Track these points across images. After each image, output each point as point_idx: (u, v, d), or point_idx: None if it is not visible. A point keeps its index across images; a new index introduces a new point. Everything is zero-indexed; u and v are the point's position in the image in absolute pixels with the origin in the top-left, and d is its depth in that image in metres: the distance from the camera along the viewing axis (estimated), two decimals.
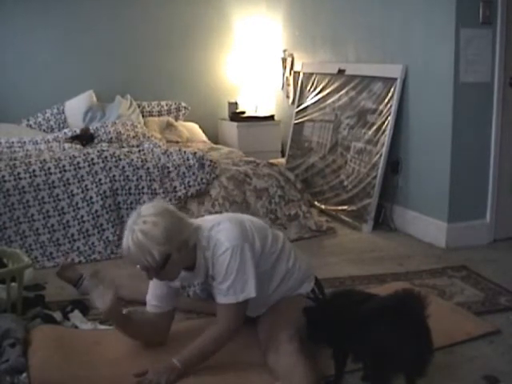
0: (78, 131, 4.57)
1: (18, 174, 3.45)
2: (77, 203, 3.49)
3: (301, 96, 4.95)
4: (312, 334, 1.96)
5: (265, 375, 1.97)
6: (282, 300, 2.19)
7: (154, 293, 2.15)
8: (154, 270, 1.93)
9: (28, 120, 5.02)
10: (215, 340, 1.99)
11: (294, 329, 2.03)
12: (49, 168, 3.52)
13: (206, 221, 2.11)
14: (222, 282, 1.98)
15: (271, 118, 5.57)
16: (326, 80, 4.55)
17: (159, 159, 3.79)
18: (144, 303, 2.21)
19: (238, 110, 5.66)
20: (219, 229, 2.01)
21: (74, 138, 4.44)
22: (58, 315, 2.45)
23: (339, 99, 4.35)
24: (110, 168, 3.59)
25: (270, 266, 2.14)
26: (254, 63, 5.66)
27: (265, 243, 2.11)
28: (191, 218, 2.14)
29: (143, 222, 1.89)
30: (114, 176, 3.57)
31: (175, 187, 3.65)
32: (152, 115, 5.39)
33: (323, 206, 4.29)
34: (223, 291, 1.98)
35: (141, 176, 3.62)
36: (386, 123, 3.78)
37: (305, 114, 4.83)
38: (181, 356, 1.96)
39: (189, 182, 3.67)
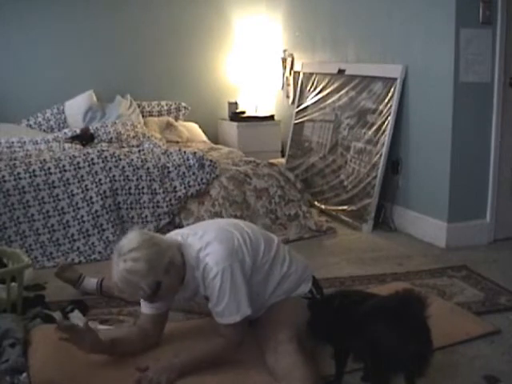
0: (78, 131, 4.56)
1: (18, 174, 3.45)
2: (77, 203, 3.49)
3: (301, 96, 4.95)
4: (312, 333, 1.96)
5: (265, 375, 1.97)
6: (280, 301, 2.19)
7: None
8: (150, 297, 1.98)
9: (28, 120, 5.02)
10: (217, 352, 2.04)
11: (293, 329, 2.03)
12: (49, 168, 3.52)
13: (195, 238, 2.08)
14: (216, 304, 2.00)
15: (271, 118, 5.57)
16: (326, 80, 4.55)
17: (159, 159, 3.79)
18: None
19: (238, 110, 5.66)
20: (207, 252, 2.01)
21: (74, 138, 4.44)
22: (57, 315, 2.45)
23: (339, 99, 4.35)
24: (110, 168, 3.59)
25: (264, 274, 2.14)
26: (254, 63, 5.66)
27: (256, 255, 2.11)
28: (184, 226, 2.16)
29: (124, 261, 1.91)
30: (113, 176, 3.57)
31: (175, 187, 3.65)
32: (152, 115, 5.38)
33: (323, 206, 4.29)
34: (219, 313, 2.01)
35: (141, 176, 3.62)
36: (386, 123, 3.78)
37: (305, 114, 4.83)
38: (183, 357, 1.98)
39: (189, 182, 3.67)
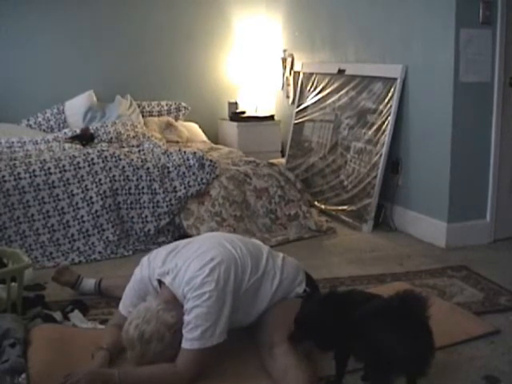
0: (78, 131, 4.56)
1: (18, 174, 3.45)
2: (77, 203, 3.49)
3: (301, 96, 4.95)
4: (301, 337, 1.94)
5: (263, 379, 1.97)
6: (275, 303, 2.17)
7: (131, 300, 2.19)
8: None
9: (28, 120, 5.02)
10: (164, 376, 1.95)
11: (287, 331, 2.02)
12: (49, 168, 3.52)
13: (181, 270, 2.06)
14: (189, 331, 1.95)
15: (271, 118, 5.57)
16: (326, 80, 4.55)
17: (159, 159, 3.79)
18: None
19: (238, 110, 5.65)
20: (191, 287, 1.99)
21: (74, 138, 4.44)
22: (58, 315, 2.45)
23: (339, 99, 4.35)
24: (110, 168, 3.59)
25: (252, 292, 2.13)
26: (254, 63, 5.66)
27: (242, 280, 2.09)
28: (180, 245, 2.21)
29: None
30: (113, 176, 3.57)
31: (175, 187, 3.65)
32: (152, 115, 5.38)
33: (323, 206, 4.29)
34: (189, 339, 1.95)
35: (141, 176, 3.62)
36: (386, 123, 3.78)
37: (305, 114, 4.83)
38: (125, 371, 1.92)
39: (189, 182, 3.67)
